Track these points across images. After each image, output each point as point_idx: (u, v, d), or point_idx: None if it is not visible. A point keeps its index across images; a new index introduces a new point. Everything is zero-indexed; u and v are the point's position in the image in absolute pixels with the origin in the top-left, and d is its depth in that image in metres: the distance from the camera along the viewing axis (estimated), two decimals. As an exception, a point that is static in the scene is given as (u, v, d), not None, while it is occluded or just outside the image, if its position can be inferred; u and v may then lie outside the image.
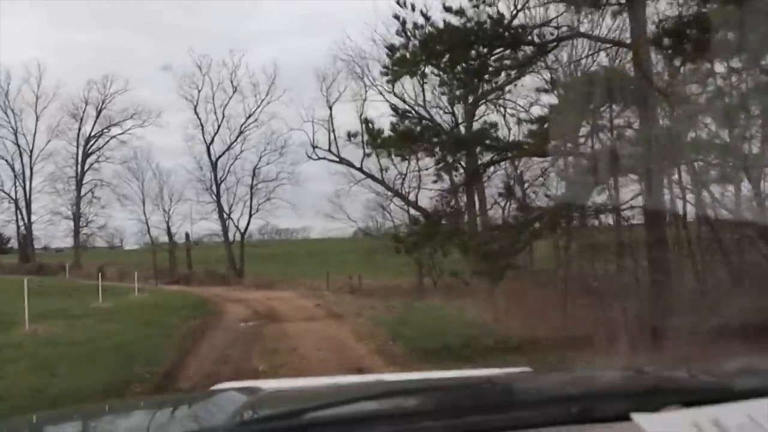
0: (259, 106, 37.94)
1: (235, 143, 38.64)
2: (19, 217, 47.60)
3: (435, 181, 22.88)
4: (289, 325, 13.50)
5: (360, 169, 31.72)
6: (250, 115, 38.21)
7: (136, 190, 42.18)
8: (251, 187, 38.51)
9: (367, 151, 27.77)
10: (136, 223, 43.46)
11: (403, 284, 33.23)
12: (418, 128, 20.78)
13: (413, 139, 18.88)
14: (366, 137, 25.44)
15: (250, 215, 38.58)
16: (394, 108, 24.05)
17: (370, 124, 23.87)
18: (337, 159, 31.96)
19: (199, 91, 38.48)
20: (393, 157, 23.39)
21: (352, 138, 29.32)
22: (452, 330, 11.51)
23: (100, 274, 41.85)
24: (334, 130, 31.89)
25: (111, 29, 60.94)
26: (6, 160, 46.95)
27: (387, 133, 20.75)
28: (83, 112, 46.85)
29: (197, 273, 37.60)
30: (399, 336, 11.14)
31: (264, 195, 38.57)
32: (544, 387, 1.49)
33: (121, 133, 46.83)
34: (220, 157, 38.70)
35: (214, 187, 38.53)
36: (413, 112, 24.48)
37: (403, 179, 31.90)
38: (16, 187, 47.48)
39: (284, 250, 46.72)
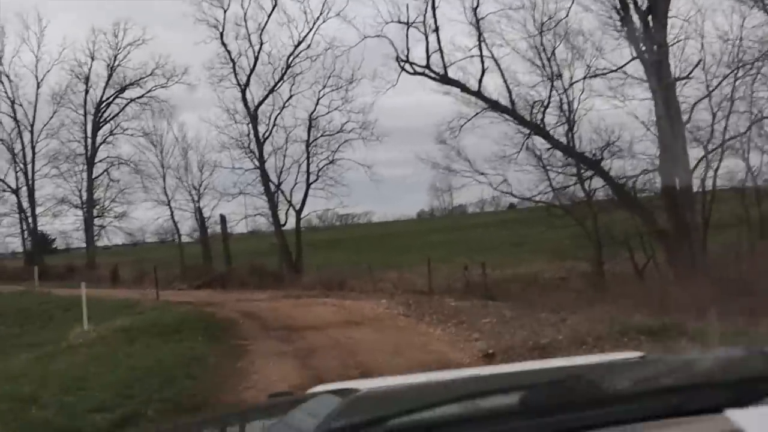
0: (312, 28, 25.90)
1: (280, 83, 26.75)
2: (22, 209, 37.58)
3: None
4: None
5: (478, 94, 19.53)
6: (300, 42, 26.21)
7: (155, 163, 31.16)
8: (307, 144, 26.71)
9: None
10: (157, 207, 32.28)
11: (543, 273, 20.96)
12: None
13: None
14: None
15: (308, 184, 26.67)
16: None
17: None
18: (439, 77, 19.78)
19: (225, 11, 26.63)
20: None
21: None
22: None
23: (112, 277, 32.04)
24: (437, 29, 19.54)
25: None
26: (1, 140, 36.90)
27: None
28: (89, 70, 36.16)
29: (238, 271, 26.30)
30: None
31: (325, 156, 26.85)
32: (643, 379, 1.46)
33: (140, 97, 35.87)
34: (260, 103, 26.90)
35: (254, 147, 26.86)
36: None
37: (545, 107, 19.62)
38: (17, 172, 37.40)
39: (349, 235, 36.42)
